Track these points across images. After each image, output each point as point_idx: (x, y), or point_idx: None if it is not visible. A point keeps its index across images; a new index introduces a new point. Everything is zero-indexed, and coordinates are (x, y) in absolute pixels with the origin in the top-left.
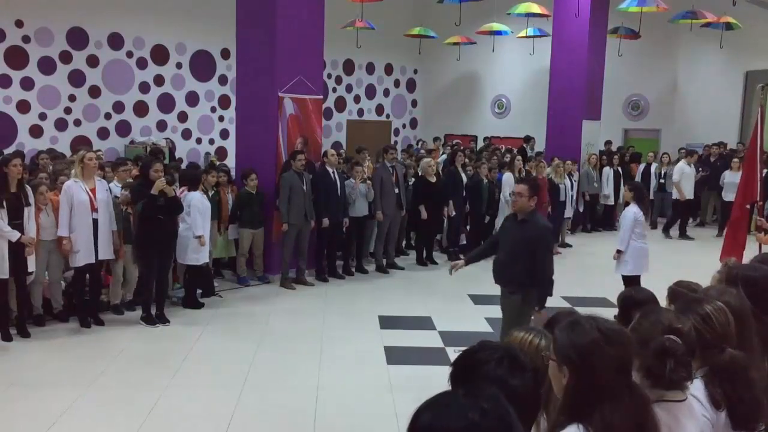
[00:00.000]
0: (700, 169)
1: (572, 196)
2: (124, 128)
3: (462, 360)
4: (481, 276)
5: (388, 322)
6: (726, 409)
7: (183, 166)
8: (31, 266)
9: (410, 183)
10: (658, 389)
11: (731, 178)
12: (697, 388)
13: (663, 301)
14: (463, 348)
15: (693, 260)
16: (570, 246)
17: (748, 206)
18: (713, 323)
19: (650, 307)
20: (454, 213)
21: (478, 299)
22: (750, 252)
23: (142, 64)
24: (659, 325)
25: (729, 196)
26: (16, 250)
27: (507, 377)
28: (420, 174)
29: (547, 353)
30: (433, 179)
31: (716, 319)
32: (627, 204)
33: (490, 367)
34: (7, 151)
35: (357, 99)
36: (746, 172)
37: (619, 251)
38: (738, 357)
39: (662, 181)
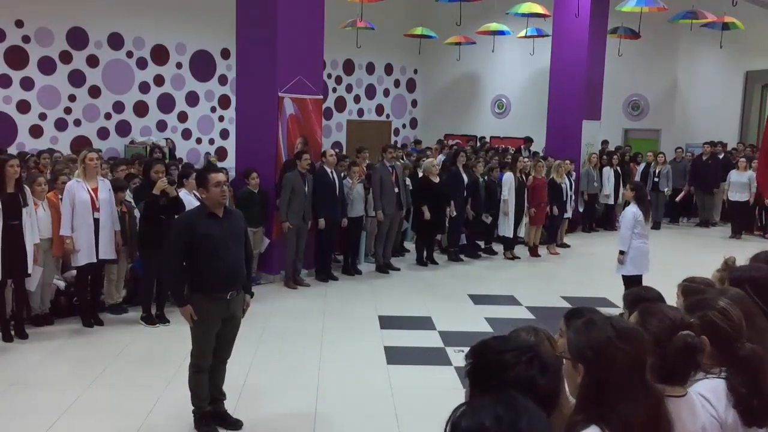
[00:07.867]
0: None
1: (571, 196)
2: (124, 128)
3: (485, 359)
4: (482, 276)
5: (388, 322)
6: (739, 405)
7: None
8: (30, 269)
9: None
10: (659, 384)
11: (737, 177)
12: (708, 388)
13: (669, 300)
14: (462, 348)
15: (693, 260)
16: (569, 246)
17: None
18: (731, 316)
19: (646, 305)
20: (455, 213)
21: (478, 299)
22: (749, 251)
23: (142, 64)
24: (670, 322)
25: (735, 195)
26: (13, 252)
27: (537, 377)
28: (422, 174)
29: (562, 352)
30: (437, 179)
31: (733, 312)
32: (627, 204)
33: (521, 368)
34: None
35: (357, 99)
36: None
37: (621, 252)
38: (758, 349)
39: (656, 180)
